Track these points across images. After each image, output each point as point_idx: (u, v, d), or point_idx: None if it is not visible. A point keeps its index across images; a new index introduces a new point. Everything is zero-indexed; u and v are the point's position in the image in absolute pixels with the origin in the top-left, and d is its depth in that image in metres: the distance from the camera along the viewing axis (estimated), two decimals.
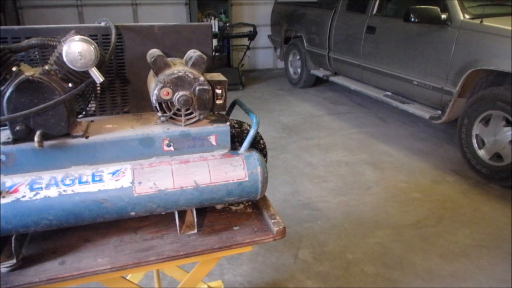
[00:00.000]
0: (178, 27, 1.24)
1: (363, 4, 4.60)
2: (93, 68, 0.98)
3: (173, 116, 1.11)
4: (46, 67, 0.99)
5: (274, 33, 6.75)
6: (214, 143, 1.14)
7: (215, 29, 6.65)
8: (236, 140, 1.24)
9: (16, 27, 1.10)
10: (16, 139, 1.00)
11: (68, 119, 1.02)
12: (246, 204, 1.30)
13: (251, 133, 1.14)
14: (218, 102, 1.14)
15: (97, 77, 0.99)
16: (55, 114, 1.00)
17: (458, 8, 3.37)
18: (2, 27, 1.09)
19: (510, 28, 2.93)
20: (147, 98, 1.16)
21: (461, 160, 3.40)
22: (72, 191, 0.99)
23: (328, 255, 2.29)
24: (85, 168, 1.04)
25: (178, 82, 1.06)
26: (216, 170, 1.09)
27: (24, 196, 0.96)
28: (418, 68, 3.71)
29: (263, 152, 1.30)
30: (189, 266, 1.31)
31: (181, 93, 1.07)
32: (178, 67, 1.08)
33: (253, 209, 1.27)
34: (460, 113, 3.37)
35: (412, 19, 3.47)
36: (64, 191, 0.98)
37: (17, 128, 0.98)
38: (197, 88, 1.08)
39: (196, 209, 1.14)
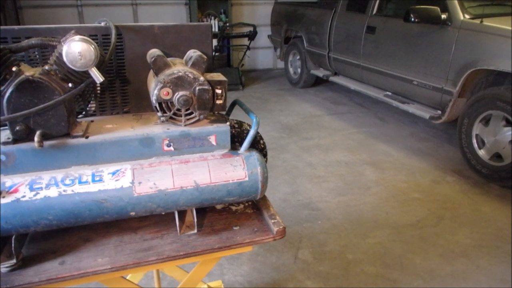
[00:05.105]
0: (178, 27, 1.24)
1: (363, 4, 4.59)
2: (93, 68, 0.98)
3: (173, 116, 1.11)
4: (46, 67, 0.99)
5: (274, 33, 6.75)
6: (214, 143, 1.14)
7: (215, 29, 6.65)
8: (236, 140, 1.24)
9: (16, 27, 1.10)
10: (16, 139, 1.00)
11: (68, 119, 1.02)
12: (246, 204, 1.29)
13: (251, 133, 1.14)
14: (218, 102, 1.14)
15: (97, 77, 0.99)
16: (55, 114, 1.00)
17: (458, 8, 3.37)
18: (2, 27, 1.09)
19: (510, 28, 2.93)
20: (147, 98, 1.16)
21: (461, 160, 3.40)
22: (72, 191, 0.99)
23: (328, 255, 2.29)
24: (85, 168, 1.04)
25: (178, 82, 1.06)
26: (216, 170, 1.09)
27: (24, 196, 0.96)
28: (418, 68, 3.71)
29: (263, 152, 1.29)
30: (189, 266, 1.31)
31: (181, 93, 1.07)
32: (178, 67, 1.08)
33: (253, 209, 1.27)
34: (460, 113, 3.37)
35: (412, 19, 3.48)
36: (64, 191, 0.98)
37: (17, 128, 0.98)
38: (197, 88, 1.08)
39: (196, 209, 1.14)
